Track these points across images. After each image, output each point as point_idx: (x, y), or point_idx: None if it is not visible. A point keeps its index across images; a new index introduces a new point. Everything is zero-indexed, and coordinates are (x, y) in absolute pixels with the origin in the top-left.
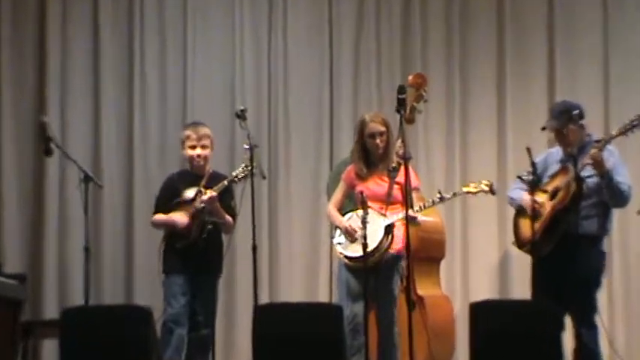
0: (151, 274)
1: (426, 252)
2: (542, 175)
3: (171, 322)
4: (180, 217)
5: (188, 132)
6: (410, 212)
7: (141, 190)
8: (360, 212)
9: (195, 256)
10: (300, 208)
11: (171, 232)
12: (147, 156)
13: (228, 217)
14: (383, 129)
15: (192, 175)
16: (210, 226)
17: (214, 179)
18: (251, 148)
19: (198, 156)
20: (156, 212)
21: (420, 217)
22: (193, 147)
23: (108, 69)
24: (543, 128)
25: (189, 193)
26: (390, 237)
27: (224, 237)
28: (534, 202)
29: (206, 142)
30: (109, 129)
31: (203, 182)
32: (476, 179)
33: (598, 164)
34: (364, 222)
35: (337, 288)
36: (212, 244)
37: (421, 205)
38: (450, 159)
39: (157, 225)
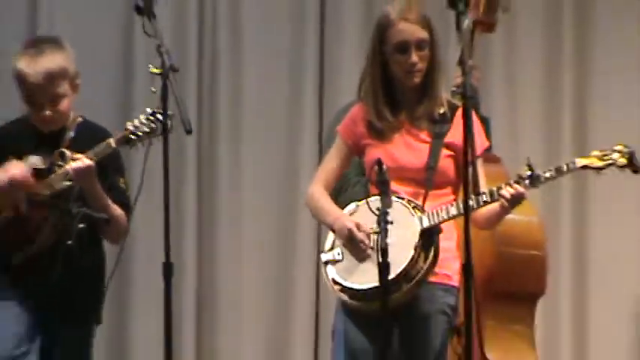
0: None
1: (508, 282)
2: None
3: None
4: (14, 165)
5: (21, 68)
6: (510, 188)
7: None
8: (376, 201)
9: (48, 280)
10: (259, 193)
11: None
12: None
13: (117, 210)
14: (423, 35)
15: (39, 129)
16: (81, 225)
17: (87, 135)
18: (164, 74)
19: (45, 118)
20: None
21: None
22: (33, 102)
23: None
24: None
25: (37, 160)
26: (431, 252)
27: (107, 248)
28: None
29: (59, 87)
30: None
31: (66, 141)
32: (602, 144)
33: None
34: (383, 221)
35: (330, 349)
36: (84, 262)
37: (494, 189)
38: (555, 104)
39: None
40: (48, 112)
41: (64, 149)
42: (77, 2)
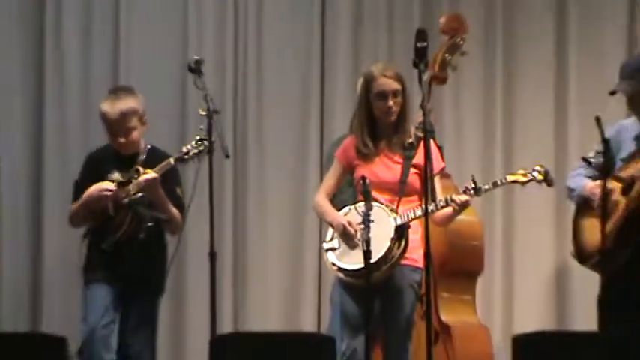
0: (66, 291)
1: (457, 264)
2: (614, 156)
3: (92, 346)
4: (100, 184)
5: (104, 108)
6: (459, 197)
7: (53, 178)
8: (362, 206)
9: (127, 262)
10: (277, 200)
11: (95, 226)
12: (63, 144)
13: (175, 211)
14: (397, 86)
15: (120, 153)
16: (150, 224)
17: (154, 158)
18: (209, 115)
19: (121, 144)
20: (75, 201)
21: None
22: (112, 133)
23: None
24: (612, 92)
25: (118, 175)
26: (402, 243)
27: (168, 239)
28: (604, 191)
29: (130, 122)
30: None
31: (140, 162)
32: (525, 164)
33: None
34: (366, 220)
35: (329, 313)
36: (152, 249)
37: (448, 197)
38: (490, 135)
39: (76, 216)
40: (122, 140)
41: (138, 167)
42: (147, 61)
